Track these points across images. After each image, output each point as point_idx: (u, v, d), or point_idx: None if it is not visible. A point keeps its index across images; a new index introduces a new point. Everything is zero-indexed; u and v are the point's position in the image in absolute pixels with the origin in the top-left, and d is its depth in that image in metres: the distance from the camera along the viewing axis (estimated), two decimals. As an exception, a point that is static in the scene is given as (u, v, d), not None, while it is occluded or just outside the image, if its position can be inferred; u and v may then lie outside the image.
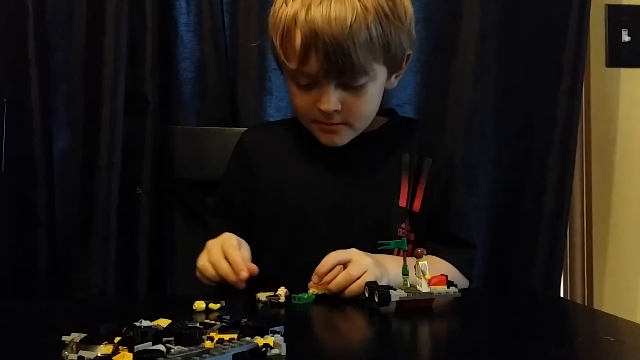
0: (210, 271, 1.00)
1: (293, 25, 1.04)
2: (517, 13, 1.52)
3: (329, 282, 0.95)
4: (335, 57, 1.02)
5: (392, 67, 1.12)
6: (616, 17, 1.62)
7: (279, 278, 0.99)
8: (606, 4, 1.62)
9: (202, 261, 1.02)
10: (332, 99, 1.06)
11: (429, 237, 1.14)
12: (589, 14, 1.49)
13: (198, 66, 1.48)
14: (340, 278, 0.95)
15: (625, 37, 1.63)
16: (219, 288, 1.03)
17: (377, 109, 1.15)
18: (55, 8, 1.43)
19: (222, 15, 1.47)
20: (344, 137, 1.13)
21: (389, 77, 1.14)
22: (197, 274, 1.04)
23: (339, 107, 1.07)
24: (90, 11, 1.41)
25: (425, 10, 1.50)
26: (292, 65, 1.07)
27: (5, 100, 1.37)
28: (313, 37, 1.02)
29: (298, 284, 0.97)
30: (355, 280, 0.95)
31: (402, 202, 1.07)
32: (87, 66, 1.41)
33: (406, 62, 1.16)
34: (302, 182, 1.15)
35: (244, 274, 0.96)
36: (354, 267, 0.96)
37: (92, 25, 1.40)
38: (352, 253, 0.98)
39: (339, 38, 1.01)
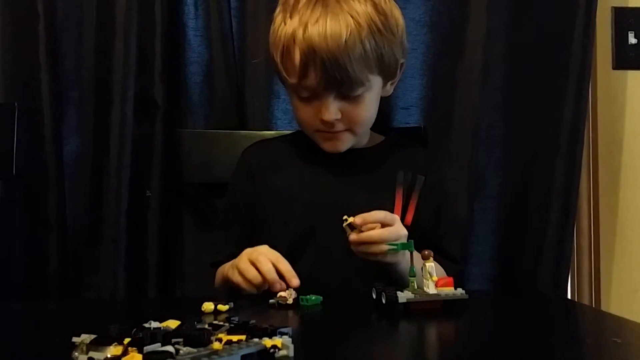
0: (252, 273, 1.01)
1: (292, 43, 1.10)
2: (524, 16, 1.51)
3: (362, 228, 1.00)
4: (332, 71, 1.08)
5: (387, 76, 1.18)
6: (623, 19, 1.62)
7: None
8: (612, 7, 1.62)
9: (244, 264, 1.03)
10: (332, 110, 1.13)
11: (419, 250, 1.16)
12: (595, 17, 1.49)
13: (206, 70, 1.50)
14: (376, 234, 1.00)
15: (632, 40, 1.62)
16: (236, 293, 1.04)
17: (375, 115, 1.21)
18: (65, 13, 1.45)
19: (230, 20, 1.48)
20: (346, 142, 1.19)
21: (384, 85, 1.20)
22: (234, 276, 1.04)
23: (339, 116, 1.14)
24: (100, 16, 1.42)
25: (432, 13, 1.51)
26: (292, 80, 1.13)
27: (16, 104, 1.38)
28: (311, 54, 1.08)
29: (306, 288, 0.98)
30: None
31: (397, 215, 1.09)
32: (97, 70, 1.43)
33: (400, 70, 1.22)
34: (303, 194, 1.18)
35: (296, 282, 0.99)
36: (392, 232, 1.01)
37: (101, 30, 1.42)
38: (396, 219, 1.03)
39: (335, 54, 1.07)
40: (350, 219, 1.01)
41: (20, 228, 1.42)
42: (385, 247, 1.00)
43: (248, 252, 1.05)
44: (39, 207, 1.40)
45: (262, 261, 1.02)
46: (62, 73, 1.44)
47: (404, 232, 1.03)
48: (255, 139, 1.35)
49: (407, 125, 1.51)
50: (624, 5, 1.63)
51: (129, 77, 1.41)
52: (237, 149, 1.33)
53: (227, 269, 1.10)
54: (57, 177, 1.41)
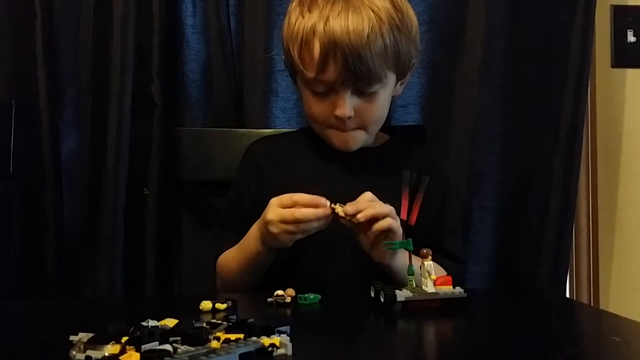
0: (293, 214, 1.02)
1: (312, 35, 1.10)
2: (523, 14, 1.51)
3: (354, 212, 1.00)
4: (353, 65, 1.08)
5: (400, 75, 1.19)
6: (621, 17, 1.62)
7: (285, 281, 1.00)
8: (611, 5, 1.62)
9: (276, 220, 1.03)
10: (347, 105, 1.13)
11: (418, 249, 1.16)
12: (594, 15, 1.49)
13: (204, 68, 1.49)
14: (370, 210, 1.00)
15: (631, 38, 1.62)
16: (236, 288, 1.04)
17: (386, 115, 1.21)
18: (62, 10, 1.44)
19: (228, 18, 1.48)
20: (357, 141, 1.19)
21: (395, 85, 1.20)
22: (280, 236, 1.04)
23: (353, 113, 1.14)
24: (97, 13, 1.42)
25: (431, 11, 1.51)
26: (310, 73, 1.12)
27: (13, 101, 1.38)
28: (332, 47, 1.08)
29: (304, 287, 0.98)
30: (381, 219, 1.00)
31: (403, 215, 1.10)
32: (95, 68, 1.42)
33: (411, 71, 1.22)
34: (308, 191, 1.16)
35: (324, 200, 1.01)
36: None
37: (99, 27, 1.41)
38: (392, 213, 1.02)
39: (357, 47, 1.07)
40: (338, 208, 1.01)
41: (18, 226, 1.41)
42: (379, 208, 1.00)
43: (267, 217, 1.04)
44: (37, 204, 1.40)
45: (292, 212, 1.02)
46: (60, 70, 1.44)
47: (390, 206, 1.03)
48: (253, 137, 1.35)
49: (406, 124, 1.50)
50: (622, 3, 1.63)
51: (126, 74, 1.40)
52: (235, 147, 1.32)
53: (248, 240, 1.10)
54: (55, 174, 1.41)
